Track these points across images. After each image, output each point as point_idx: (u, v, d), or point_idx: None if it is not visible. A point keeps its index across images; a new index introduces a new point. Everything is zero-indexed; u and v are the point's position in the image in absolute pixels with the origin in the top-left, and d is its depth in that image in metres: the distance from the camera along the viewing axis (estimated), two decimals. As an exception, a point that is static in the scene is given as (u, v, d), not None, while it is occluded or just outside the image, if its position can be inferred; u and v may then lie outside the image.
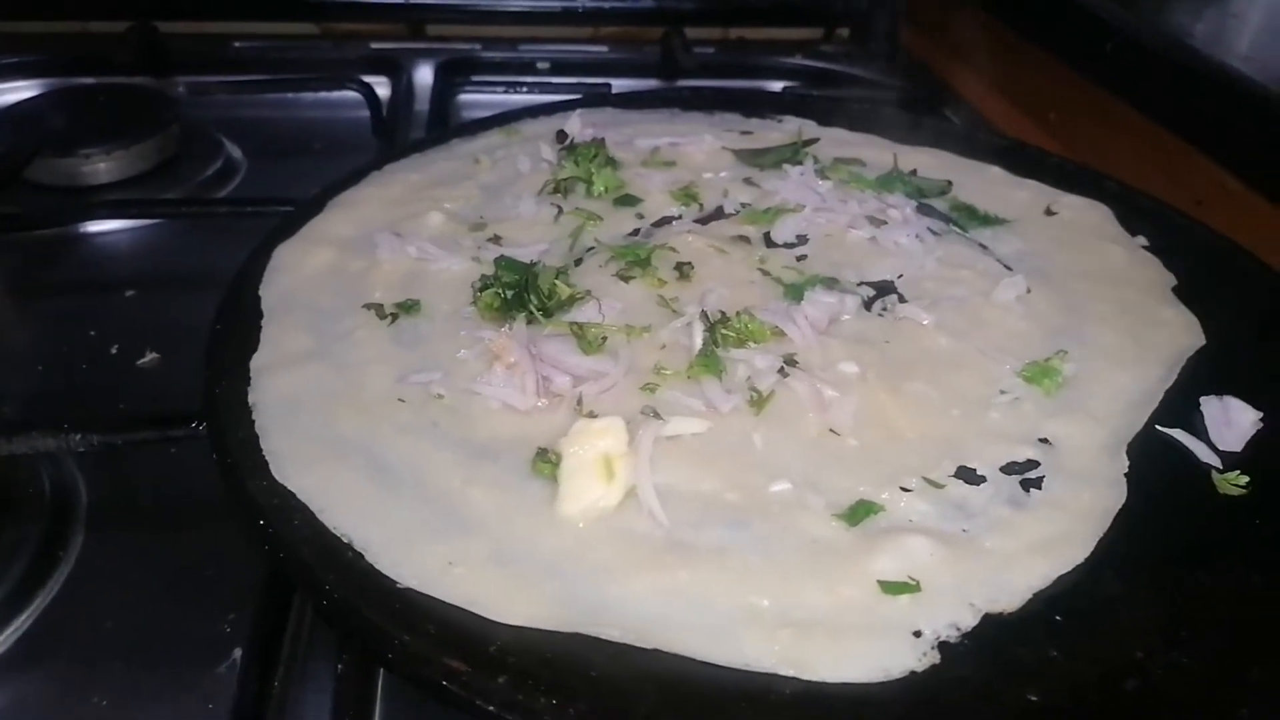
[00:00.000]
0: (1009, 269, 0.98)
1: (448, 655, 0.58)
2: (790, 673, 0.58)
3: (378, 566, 0.63)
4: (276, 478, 0.69)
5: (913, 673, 0.59)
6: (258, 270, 0.91)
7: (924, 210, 1.07)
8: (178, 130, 1.38)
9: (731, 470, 0.71)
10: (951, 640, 0.61)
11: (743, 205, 1.05)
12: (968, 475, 0.73)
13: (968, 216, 1.06)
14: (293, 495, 0.68)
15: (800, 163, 1.11)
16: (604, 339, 0.81)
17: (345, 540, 0.65)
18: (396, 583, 0.62)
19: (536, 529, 0.66)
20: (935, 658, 0.60)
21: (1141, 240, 1.05)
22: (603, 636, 0.59)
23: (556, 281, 0.86)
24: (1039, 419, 0.78)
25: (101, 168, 1.30)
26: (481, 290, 0.86)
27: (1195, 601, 0.65)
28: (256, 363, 0.80)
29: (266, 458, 0.71)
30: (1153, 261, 1.01)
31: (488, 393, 0.76)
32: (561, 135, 1.14)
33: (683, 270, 0.91)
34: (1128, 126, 1.32)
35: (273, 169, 1.43)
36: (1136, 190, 1.14)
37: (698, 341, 0.80)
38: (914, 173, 1.12)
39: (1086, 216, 1.08)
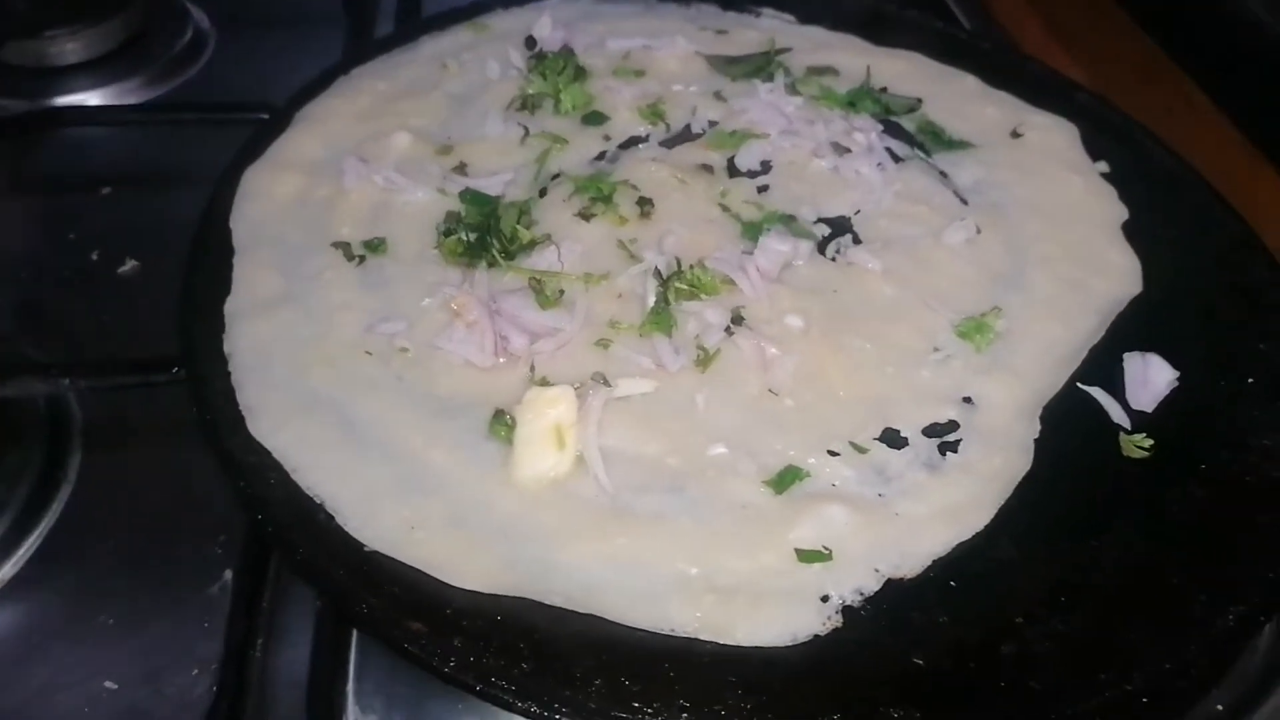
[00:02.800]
0: (965, 202, 1.00)
1: (409, 618, 0.66)
2: (709, 638, 0.66)
3: (346, 528, 0.70)
4: (253, 434, 0.75)
5: (816, 636, 0.67)
6: (227, 198, 0.93)
7: (890, 130, 1.07)
8: (143, 2, 1.35)
9: (675, 432, 0.77)
10: (855, 605, 0.69)
11: (710, 124, 1.06)
12: (892, 438, 0.79)
13: (933, 139, 1.07)
14: (268, 453, 0.74)
15: (771, 77, 1.10)
16: (561, 292, 0.85)
17: (318, 501, 0.72)
18: (364, 546, 0.69)
19: (491, 492, 0.72)
20: (838, 621, 0.68)
21: (1102, 166, 1.06)
22: (545, 602, 0.67)
23: (518, 226, 0.89)
24: (966, 376, 0.84)
25: (69, 48, 1.29)
26: (445, 235, 0.88)
27: (1080, 567, 0.72)
28: (230, 306, 0.84)
29: (243, 413, 0.76)
30: (1108, 193, 1.03)
31: (449, 349, 0.80)
32: (530, 41, 1.12)
33: (643, 207, 0.94)
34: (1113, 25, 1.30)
35: (241, 41, 1.40)
36: (1107, 105, 1.13)
37: (651, 298, 0.84)
38: (884, 90, 1.11)
39: (1052, 139, 1.08)
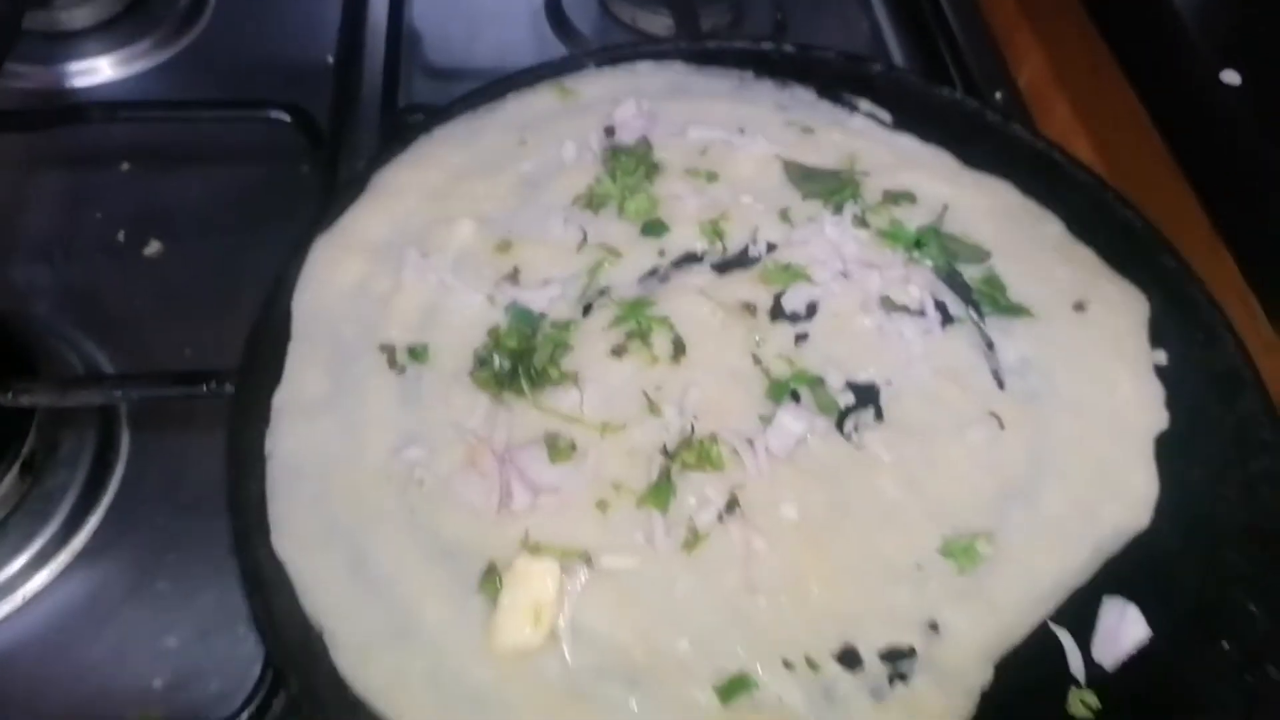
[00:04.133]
0: (1001, 386, 1.00)
1: (374, 771, 0.76)
2: (625, 840, 0.75)
3: (338, 667, 0.80)
4: (275, 548, 0.85)
5: None
6: (294, 273, 1.00)
7: (950, 278, 1.06)
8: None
9: (648, 619, 0.83)
10: (766, 830, 0.76)
11: (769, 247, 1.06)
12: (849, 657, 0.83)
13: (992, 300, 1.05)
14: (284, 568, 0.84)
15: (840, 207, 1.08)
16: (574, 446, 0.90)
17: (317, 630, 0.81)
18: (350, 689, 0.79)
19: (469, 657, 0.80)
20: (746, 842, 0.76)
21: (1160, 356, 1.03)
22: (491, 779, 0.76)
23: (549, 365, 0.93)
24: (940, 599, 0.87)
25: (78, 13, 1.37)
26: (480, 364, 0.94)
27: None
28: (278, 400, 0.92)
29: (270, 523, 0.86)
30: (1154, 396, 1.01)
31: (458, 490, 0.87)
32: (609, 131, 1.12)
33: (676, 349, 0.97)
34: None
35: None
36: (1189, 275, 1.08)
37: (654, 472, 0.89)
38: (953, 238, 1.09)
39: (1116, 318, 1.05)
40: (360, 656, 0.80)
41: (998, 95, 1.39)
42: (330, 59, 1.36)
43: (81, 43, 1.37)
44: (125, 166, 1.25)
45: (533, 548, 0.84)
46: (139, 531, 1.00)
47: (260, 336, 0.96)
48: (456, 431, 0.90)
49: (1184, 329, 1.06)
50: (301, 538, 0.85)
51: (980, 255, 1.08)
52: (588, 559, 0.84)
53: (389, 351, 0.95)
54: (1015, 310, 1.05)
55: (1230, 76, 1.12)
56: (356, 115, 1.28)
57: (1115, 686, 0.84)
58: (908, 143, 1.17)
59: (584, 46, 1.51)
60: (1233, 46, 1.14)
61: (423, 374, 0.95)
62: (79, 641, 0.95)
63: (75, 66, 1.35)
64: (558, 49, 1.50)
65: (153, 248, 1.16)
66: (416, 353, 0.95)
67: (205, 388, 0.94)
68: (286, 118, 1.21)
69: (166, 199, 1.21)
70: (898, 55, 1.56)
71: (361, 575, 0.84)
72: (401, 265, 1.00)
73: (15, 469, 0.96)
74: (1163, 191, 1.19)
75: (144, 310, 1.13)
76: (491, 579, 0.83)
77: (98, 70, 1.36)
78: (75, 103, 1.31)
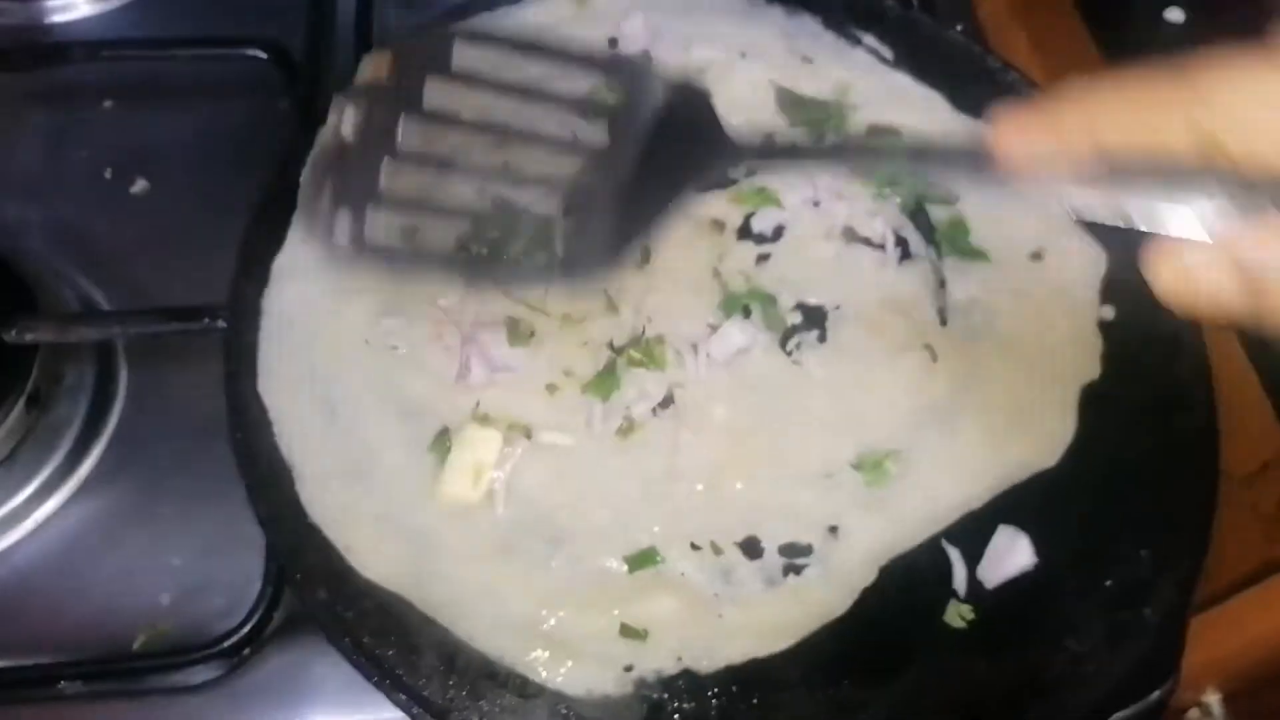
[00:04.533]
0: (944, 323, 1.06)
1: (319, 585, 0.88)
2: (523, 672, 0.86)
3: (300, 496, 0.92)
4: (259, 390, 0.96)
5: (606, 696, 0.86)
6: (304, 152, 1.09)
7: (916, 216, 1.11)
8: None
9: (576, 490, 0.93)
10: (648, 680, 0.87)
11: (748, 171, 1.12)
12: (751, 546, 0.93)
13: (952, 241, 1.10)
14: (265, 409, 0.96)
15: (821, 138, 1.14)
16: (533, 332, 0.99)
17: (287, 463, 0.93)
18: (307, 515, 0.91)
19: (415, 500, 0.92)
20: (629, 689, 0.87)
21: (1108, 312, 1.08)
22: (418, 606, 0.88)
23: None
24: (844, 506, 0.95)
25: None
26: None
27: (849, 709, 0.88)
28: (278, 264, 1.03)
29: (258, 367, 0.97)
30: (1091, 347, 1.06)
31: (424, 359, 0.98)
32: (612, 41, 1.18)
33: (644, 254, 1.05)
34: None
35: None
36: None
37: (601, 362, 0.98)
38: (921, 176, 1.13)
39: (1070, 269, 1.10)
40: (319, 489, 0.92)
41: (958, 27, 1.40)
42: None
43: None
44: (108, 104, 1.29)
45: (481, 418, 0.95)
46: (141, 459, 1.08)
47: (267, 204, 1.06)
48: (431, 307, 1.00)
49: (1139, 287, 1.08)
50: (283, 382, 0.97)
51: (950, 198, 1.13)
52: (529, 432, 0.94)
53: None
54: (973, 253, 1.10)
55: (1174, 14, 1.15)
56: (333, 48, 1.31)
57: (992, 604, 0.93)
58: (903, 80, 1.21)
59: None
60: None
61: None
62: (88, 563, 1.03)
63: (52, 3, 1.37)
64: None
65: (139, 185, 1.21)
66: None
67: (201, 323, 1.01)
68: (263, 55, 1.24)
69: (149, 137, 1.25)
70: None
71: (331, 421, 0.95)
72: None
73: (21, 402, 1.03)
74: None
75: (135, 247, 1.19)
76: (443, 440, 0.94)
77: (74, 5, 1.38)
78: (57, 41, 1.33)
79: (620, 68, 0.83)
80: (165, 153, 1.23)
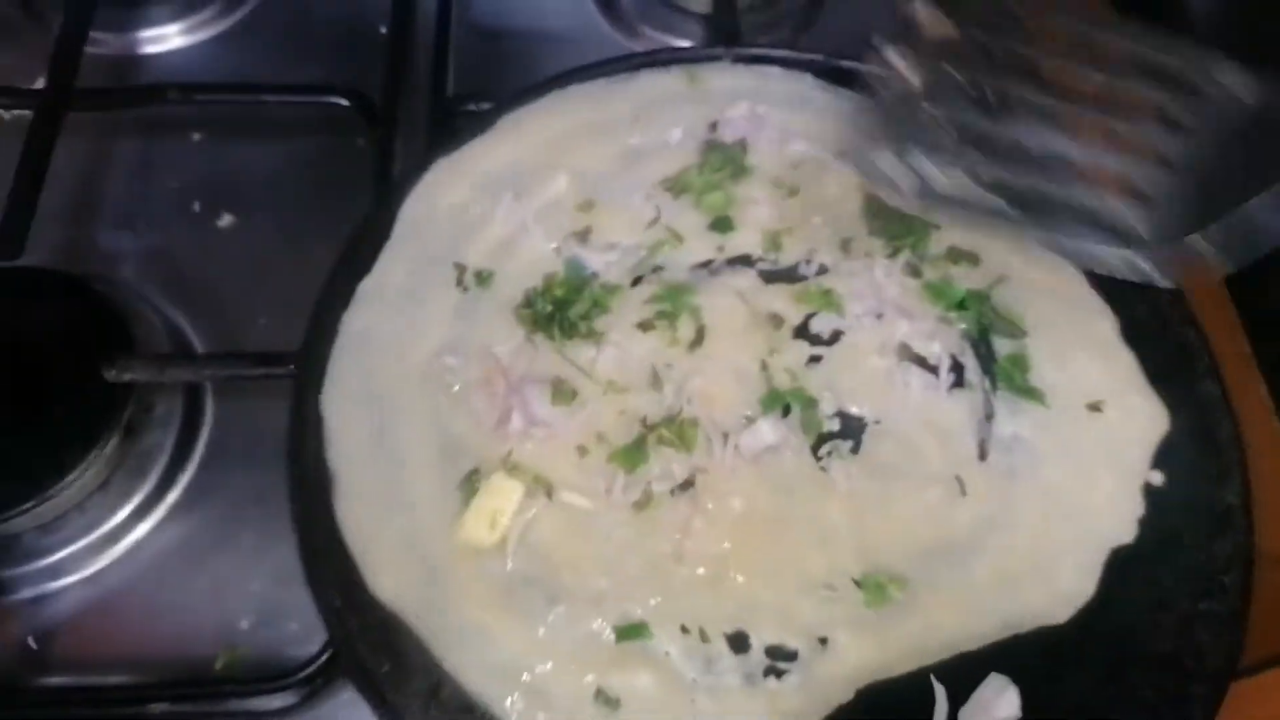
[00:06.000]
0: (983, 458, 1.06)
1: (334, 588, 0.96)
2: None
3: (335, 504, 1.00)
4: (321, 401, 1.05)
5: (569, 760, 0.91)
6: (409, 185, 1.18)
7: (976, 347, 1.12)
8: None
9: (582, 552, 0.98)
10: (613, 752, 0.91)
11: (820, 270, 1.15)
12: (738, 641, 0.95)
13: (1010, 376, 1.10)
14: (323, 419, 1.04)
15: (897, 253, 1.15)
16: (575, 393, 1.04)
17: (331, 472, 1.01)
18: (337, 523, 0.99)
19: (435, 534, 0.98)
20: (593, 757, 0.91)
21: (1157, 478, 1.06)
22: (416, 633, 0.94)
23: (582, 320, 1.07)
24: (839, 620, 0.96)
25: None
26: (527, 304, 1.09)
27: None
28: (363, 287, 1.11)
29: (325, 381, 1.06)
30: (1129, 512, 1.04)
31: (471, 401, 1.04)
32: (713, 126, 1.22)
33: (698, 337, 1.09)
34: None
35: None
36: (1227, 407, 1.09)
37: (633, 434, 1.02)
38: (990, 306, 1.13)
39: (1127, 429, 1.08)
40: (353, 502, 0.99)
41: None
42: (383, 29, 1.44)
43: (150, 7, 1.47)
44: (196, 137, 1.37)
45: (511, 467, 1.00)
46: (225, 488, 1.15)
47: (365, 232, 1.14)
48: (487, 353, 1.07)
49: (1197, 459, 1.07)
50: (344, 397, 1.05)
51: (1017, 332, 1.12)
52: (550, 490, 0.99)
53: (460, 270, 1.12)
54: (1029, 393, 1.09)
55: None
56: (409, 95, 1.37)
57: (967, 753, 0.93)
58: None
59: (630, 26, 1.55)
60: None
61: (480, 297, 1.11)
62: (173, 586, 1.09)
63: (146, 34, 1.45)
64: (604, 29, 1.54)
65: (225, 220, 1.29)
66: (482, 278, 1.12)
67: (285, 368, 1.08)
68: (345, 102, 1.32)
69: (235, 171, 1.32)
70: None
71: (378, 442, 1.03)
72: (498, 202, 1.16)
73: (119, 434, 1.10)
74: None
75: (220, 279, 1.26)
76: (472, 481, 1.00)
77: (167, 38, 1.47)
78: (154, 84, 1.39)
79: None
80: (250, 187, 1.28)
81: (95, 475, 1.09)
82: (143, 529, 1.13)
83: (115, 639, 1.07)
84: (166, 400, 1.17)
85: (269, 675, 1.01)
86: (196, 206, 1.33)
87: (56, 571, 1.11)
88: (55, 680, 1.05)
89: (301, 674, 1.00)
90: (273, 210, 1.31)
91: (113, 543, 1.12)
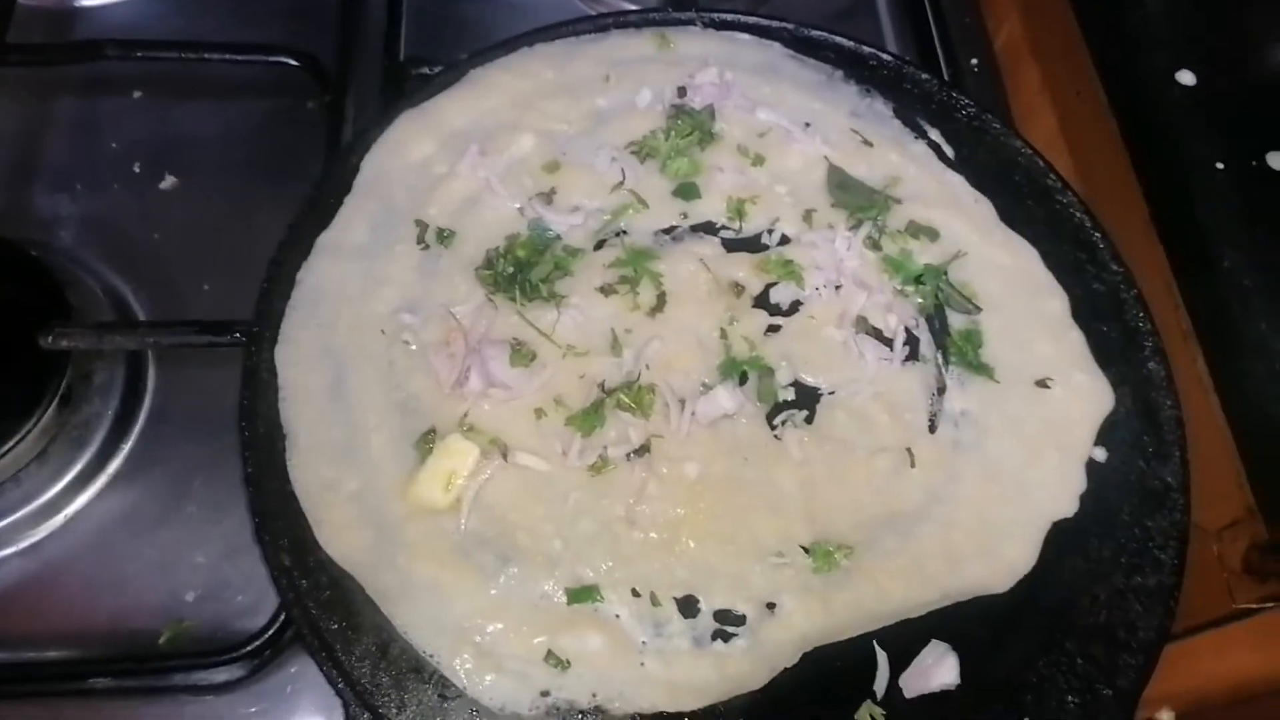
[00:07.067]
0: (933, 430, 1.08)
1: (284, 551, 0.95)
2: (449, 676, 0.92)
3: (288, 462, 0.99)
4: (275, 355, 1.03)
5: (518, 715, 0.92)
6: (372, 137, 1.16)
7: (931, 322, 1.13)
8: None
9: (538, 514, 0.98)
10: (560, 708, 0.92)
11: (782, 239, 1.15)
12: (688, 605, 0.97)
13: (961, 353, 1.12)
14: (277, 374, 1.03)
15: (859, 224, 1.15)
16: (534, 356, 1.04)
17: (284, 429, 1.00)
18: (290, 482, 0.98)
19: (389, 492, 0.98)
20: (543, 713, 0.92)
21: (1099, 454, 1.09)
22: (367, 589, 0.94)
23: (542, 284, 1.07)
24: (785, 586, 0.98)
25: None
26: (486, 265, 1.08)
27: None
28: (322, 240, 1.10)
29: (279, 334, 1.04)
30: (1073, 487, 1.06)
31: (430, 360, 1.04)
32: (681, 90, 1.21)
33: (659, 302, 1.09)
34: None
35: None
36: (1170, 387, 1.11)
37: (591, 398, 1.02)
38: (947, 281, 1.14)
39: (1073, 406, 1.10)
40: (307, 460, 0.99)
41: (973, 62, 1.40)
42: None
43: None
44: (137, 94, 1.32)
45: (467, 428, 1.00)
46: (168, 459, 1.12)
47: (327, 184, 1.13)
48: (446, 312, 1.06)
49: (1138, 436, 1.10)
50: (299, 352, 1.04)
51: (971, 308, 1.14)
52: (506, 451, 0.99)
53: (422, 227, 1.11)
54: (980, 369, 1.11)
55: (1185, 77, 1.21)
56: (362, 59, 1.33)
57: (905, 714, 0.95)
58: (957, 182, 1.22)
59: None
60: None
61: (441, 255, 1.10)
62: (115, 558, 1.07)
63: None
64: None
65: (168, 181, 1.24)
66: (444, 236, 1.11)
67: (230, 337, 1.05)
68: (294, 62, 1.28)
69: (178, 131, 1.28)
70: (884, 17, 1.54)
71: (334, 398, 1.02)
72: (462, 157, 1.15)
73: (55, 403, 1.07)
74: (1109, 172, 1.28)
75: (163, 244, 1.23)
76: (428, 440, 1.00)
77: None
78: (92, 40, 1.32)
79: None
80: (194, 148, 1.24)
81: (31, 445, 1.07)
82: (82, 500, 1.11)
83: (55, 613, 1.05)
84: (107, 368, 1.14)
85: (215, 649, 1.00)
86: (137, 168, 1.28)
87: (-9, 544, 1.07)
88: (-9, 656, 1.02)
89: (249, 647, 1.00)
90: (217, 173, 1.28)
91: (51, 514, 1.10)
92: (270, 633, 1.00)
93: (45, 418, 1.07)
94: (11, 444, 1.04)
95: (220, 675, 1.00)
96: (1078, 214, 1.21)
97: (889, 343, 1.11)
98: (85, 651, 1.02)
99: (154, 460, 1.13)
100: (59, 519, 1.10)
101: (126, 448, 1.13)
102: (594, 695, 0.93)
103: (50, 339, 1.06)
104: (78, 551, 1.08)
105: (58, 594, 1.06)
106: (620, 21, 1.27)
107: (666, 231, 1.15)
